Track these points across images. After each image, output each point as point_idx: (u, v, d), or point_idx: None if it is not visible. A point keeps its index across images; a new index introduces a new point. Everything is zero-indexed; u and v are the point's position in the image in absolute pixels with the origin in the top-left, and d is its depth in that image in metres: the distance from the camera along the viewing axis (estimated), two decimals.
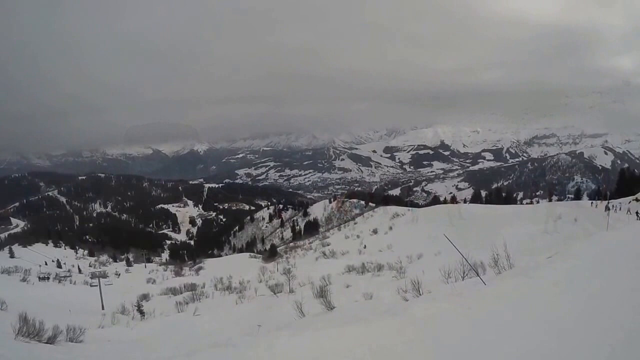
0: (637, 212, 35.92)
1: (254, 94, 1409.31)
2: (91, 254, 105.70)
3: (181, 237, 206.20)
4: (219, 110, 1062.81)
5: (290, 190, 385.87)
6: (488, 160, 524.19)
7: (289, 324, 13.75)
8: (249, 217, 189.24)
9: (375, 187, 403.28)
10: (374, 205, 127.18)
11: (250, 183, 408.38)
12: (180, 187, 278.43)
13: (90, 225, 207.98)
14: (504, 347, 6.56)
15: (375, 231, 76.92)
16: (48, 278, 54.63)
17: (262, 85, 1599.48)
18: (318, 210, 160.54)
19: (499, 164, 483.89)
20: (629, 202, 57.76)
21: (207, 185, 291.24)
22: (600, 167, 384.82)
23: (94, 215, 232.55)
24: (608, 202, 61.22)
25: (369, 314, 9.81)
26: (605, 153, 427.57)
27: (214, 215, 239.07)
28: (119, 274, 66.13)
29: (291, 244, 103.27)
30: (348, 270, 38.99)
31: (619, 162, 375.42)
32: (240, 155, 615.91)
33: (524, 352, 6.39)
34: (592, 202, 70.33)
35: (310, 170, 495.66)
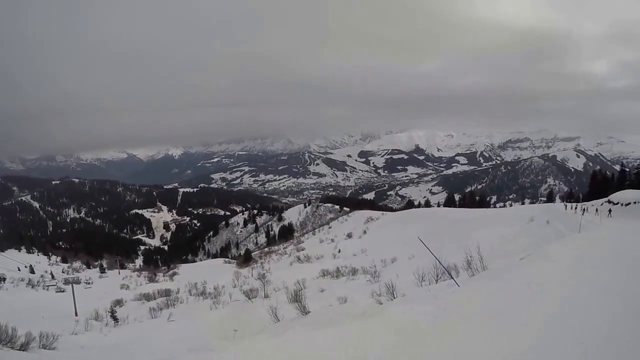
0: (609, 210, 36.63)
1: (231, 99, 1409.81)
2: (64, 260, 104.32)
3: (155, 242, 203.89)
4: (195, 114, 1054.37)
5: (265, 195, 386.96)
6: (462, 164, 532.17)
7: (264, 329, 13.74)
8: (223, 222, 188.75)
9: (350, 191, 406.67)
10: (348, 209, 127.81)
11: (225, 188, 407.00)
12: (154, 192, 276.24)
13: (64, 230, 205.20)
14: (480, 348, 6.65)
15: (349, 235, 77.11)
16: (4, 279, 54.03)
17: (239, 91, 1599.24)
18: (293, 215, 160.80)
19: (472, 167, 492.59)
20: (602, 204, 58.68)
21: (181, 190, 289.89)
22: (572, 170, 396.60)
23: (68, 220, 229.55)
24: (580, 204, 62.34)
25: (344, 318, 9.83)
26: (578, 156, 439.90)
27: (188, 220, 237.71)
28: (91, 282, 64.91)
29: (266, 249, 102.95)
30: (323, 275, 39.00)
31: (591, 164, 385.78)
32: (216, 160, 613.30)
33: (500, 352, 6.49)
34: (564, 204, 71.47)
35: (285, 175, 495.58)
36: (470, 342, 6.88)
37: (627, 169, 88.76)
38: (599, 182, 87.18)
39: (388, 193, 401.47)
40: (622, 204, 52.05)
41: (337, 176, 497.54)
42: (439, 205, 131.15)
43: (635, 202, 48.73)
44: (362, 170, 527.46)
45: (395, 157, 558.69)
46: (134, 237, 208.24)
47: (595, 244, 21.94)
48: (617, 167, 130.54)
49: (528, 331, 7.41)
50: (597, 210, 48.72)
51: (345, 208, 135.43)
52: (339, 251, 62.67)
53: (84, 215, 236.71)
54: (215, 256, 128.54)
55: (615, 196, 58.04)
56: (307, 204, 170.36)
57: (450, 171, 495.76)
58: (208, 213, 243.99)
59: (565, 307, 8.49)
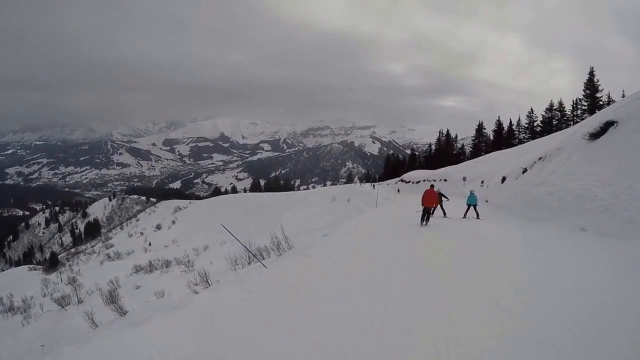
0: (398, 190, 40.46)
1: (27, 80, 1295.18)
2: None
3: None
4: None
5: (67, 189, 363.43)
6: (266, 150, 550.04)
7: (80, 338, 13.31)
8: (23, 224, 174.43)
9: (156, 181, 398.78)
10: (155, 200, 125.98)
11: (22, 184, 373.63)
12: None
13: None
14: (281, 324, 7.14)
15: (159, 227, 75.98)
16: None
17: (36, 70, 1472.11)
18: (98, 210, 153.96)
19: (276, 154, 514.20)
20: (395, 183, 64.67)
21: None
22: (369, 154, 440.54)
23: None
24: (377, 184, 68.10)
25: (157, 313, 9.97)
26: (374, 142, 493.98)
27: None
28: None
29: (73, 250, 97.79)
30: (136, 271, 38.11)
31: (385, 149, 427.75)
32: (10, 151, 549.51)
33: (298, 326, 6.84)
34: (362, 184, 77.74)
35: (87, 167, 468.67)
36: (271, 320, 7.20)
37: (417, 153, 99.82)
38: (392, 164, 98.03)
39: (195, 181, 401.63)
40: (413, 182, 58.02)
41: (142, 166, 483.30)
42: (245, 191, 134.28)
43: (424, 180, 54.51)
44: (167, 159, 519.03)
45: (200, 144, 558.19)
46: None
47: (386, 215, 24.70)
48: (409, 152, 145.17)
49: (328, 299, 8.08)
50: (373, 185, 54.46)
51: (152, 199, 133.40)
52: (150, 244, 61.64)
53: None
54: (18, 263, 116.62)
55: (407, 175, 64.89)
56: (112, 197, 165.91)
57: (255, 157, 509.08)
58: (5, 214, 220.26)
59: (357, 272, 9.60)
